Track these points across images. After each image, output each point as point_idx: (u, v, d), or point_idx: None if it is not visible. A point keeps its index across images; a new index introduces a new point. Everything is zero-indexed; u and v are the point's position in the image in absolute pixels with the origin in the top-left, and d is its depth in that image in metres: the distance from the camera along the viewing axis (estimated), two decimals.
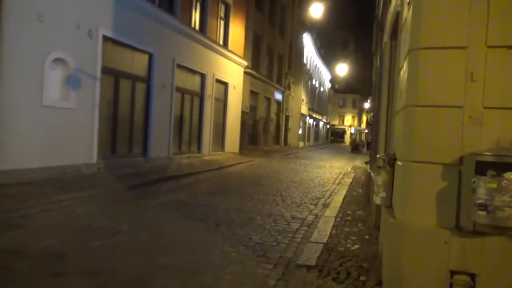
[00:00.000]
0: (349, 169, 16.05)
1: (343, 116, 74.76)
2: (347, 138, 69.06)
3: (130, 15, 10.77)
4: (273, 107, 27.89)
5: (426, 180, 3.09)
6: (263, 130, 25.30)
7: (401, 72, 3.75)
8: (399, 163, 3.39)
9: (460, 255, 2.90)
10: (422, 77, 3.23)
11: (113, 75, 10.56)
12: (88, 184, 7.94)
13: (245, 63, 19.59)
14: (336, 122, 72.66)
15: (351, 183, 11.12)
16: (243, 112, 19.92)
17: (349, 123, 74.17)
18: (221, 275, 3.76)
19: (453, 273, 2.90)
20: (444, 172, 3.03)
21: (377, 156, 4.24)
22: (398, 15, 4.45)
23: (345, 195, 8.75)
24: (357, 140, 42.39)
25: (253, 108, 23.38)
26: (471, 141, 2.99)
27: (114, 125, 10.73)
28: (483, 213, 2.75)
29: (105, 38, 9.91)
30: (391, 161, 3.69)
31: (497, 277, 2.82)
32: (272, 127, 27.67)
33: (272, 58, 27.35)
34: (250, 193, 8.60)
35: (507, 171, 2.72)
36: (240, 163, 15.53)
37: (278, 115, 29.29)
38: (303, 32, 35.13)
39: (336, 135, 69.70)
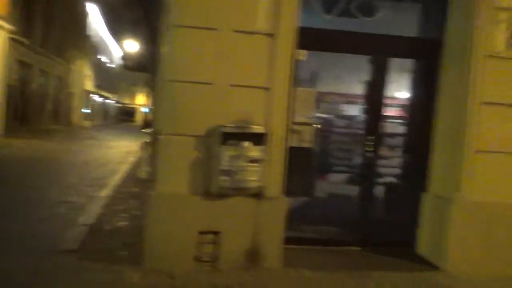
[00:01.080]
0: (135, 147, 15.79)
1: (136, 95, 72.88)
2: (139, 117, 67.80)
3: None
4: (52, 82, 24.70)
5: (182, 152, 3.31)
6: (39, 108, 22.17)
7: (164, 49, 3.86)
8: (161, 137, 3.50)
9: (208, 217, 3.25)
10: (179, 54, 3.41)
11: None
12: None
13: (9, 26, 16.42)
14: (127, 100, 70.21)
15: (134, 161, 10.98)
16: (8, 86, 16.85)
17: (141, 101, 72.91)
18: None
19: (202, 233, 3.23)
20: (196, 143, 3.30)
21: (143, 131, 4.30)
22: None
23: (125, 174, 8.61)
24: (148, 118, 42.19)
25: (26, 82, 20.10)
26: (219, 115, 3.33)
27: None
28: (226, 178, 3.15)
29: None
30: (155, 136, 3.79)
31: (237, 233, 3.29)
32: (50, 105, 24.54)
33: (51, 27, 23.84)
34: (20, 180, 7.47)
35: (244, 140, 3.17)
36: (5, 146, 13.24)
37: (58, 91, 26.16)
38: (90, 3, 32.09)
39: (128, 114, 67.42)
